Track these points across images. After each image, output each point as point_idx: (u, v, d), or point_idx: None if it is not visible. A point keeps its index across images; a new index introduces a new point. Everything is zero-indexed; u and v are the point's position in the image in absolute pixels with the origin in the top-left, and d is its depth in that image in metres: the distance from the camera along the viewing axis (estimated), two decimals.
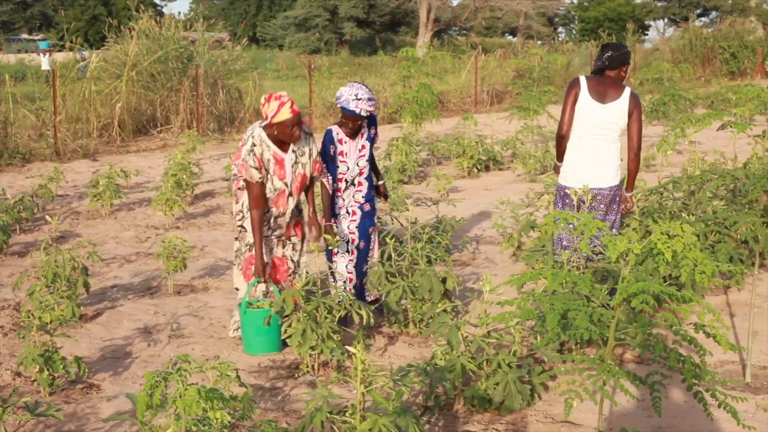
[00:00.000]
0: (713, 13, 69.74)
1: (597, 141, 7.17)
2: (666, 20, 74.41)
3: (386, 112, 23.80)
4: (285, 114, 6.84)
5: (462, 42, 47.61)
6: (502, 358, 5.66)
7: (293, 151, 7.10)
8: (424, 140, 18.36)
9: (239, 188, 7.21)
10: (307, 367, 6.51)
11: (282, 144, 7.04)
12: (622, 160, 7.33)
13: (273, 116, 6.86)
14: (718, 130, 8.55)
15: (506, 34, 74.02)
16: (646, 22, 73.96)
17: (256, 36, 64.85)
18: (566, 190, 7.32)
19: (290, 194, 7.18)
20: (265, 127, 7.00)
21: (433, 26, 56.62)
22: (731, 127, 8.32)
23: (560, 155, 7.48)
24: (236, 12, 69.51)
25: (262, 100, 6.97)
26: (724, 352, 4.30)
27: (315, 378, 6.38)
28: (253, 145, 6.94)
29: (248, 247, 7.23)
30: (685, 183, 8.66)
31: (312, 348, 6.30)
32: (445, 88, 28.74)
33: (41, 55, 36.18)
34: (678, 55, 40.47)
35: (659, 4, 72.91)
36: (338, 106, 7.39)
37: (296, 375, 6.49)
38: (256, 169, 6.90)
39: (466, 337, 5.76)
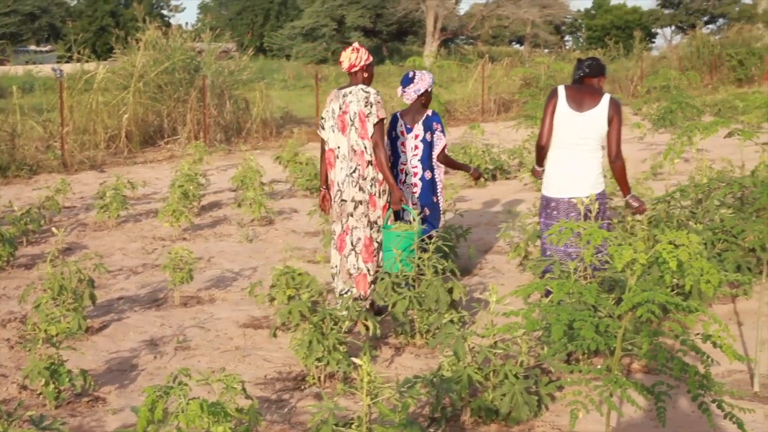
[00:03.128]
0: (720, 21, 69.64)
1: (576, 150, 7.29)
2: (673, 28, 74.33)
3: None
4: (370, 57, 7.87)
5: (469, 51, 47.60)
6: (509, 368, 5.64)
7: None
8: None
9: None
10: (314, 378, 6.50)
11: None
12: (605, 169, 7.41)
13: (368, 59, 7.81)
14: (725, 137, 8.53)
15: (513, 43, 73.89)
16: (653, 30, 73.86)
17: (263, 46, 64.86)
18: (549, 201, 7.45)
19: None
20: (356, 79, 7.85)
21: (440, 35, 56.64)
22: (738, 134, 8.30)
23: (540, 161, 7.68)
24: (243, 22, 69.51)
25: (349, 52, 7.79)
26: (731, 363, 4.28)
27: (321, 390, 6.36)
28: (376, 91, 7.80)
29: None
30: (692, 191, 8.64)
31: (318, 359, 6.29)
32: (452, 97, 28.81)
33: None
34: (685, 62, 40.40)
35: (666, 11, 72.81)
36: (426, 90, 8.33)
37: (302, 387, 6.48)
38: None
39: (473, 347, 5.75)
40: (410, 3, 58.13)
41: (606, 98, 7.25)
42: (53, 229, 8.78)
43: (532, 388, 5.71)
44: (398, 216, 7.97)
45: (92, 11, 68.58)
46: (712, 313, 4.14)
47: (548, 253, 7.45)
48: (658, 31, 75.78)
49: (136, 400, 6.25)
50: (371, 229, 7.77)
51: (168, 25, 30.21)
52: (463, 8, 64.41)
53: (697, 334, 4.37)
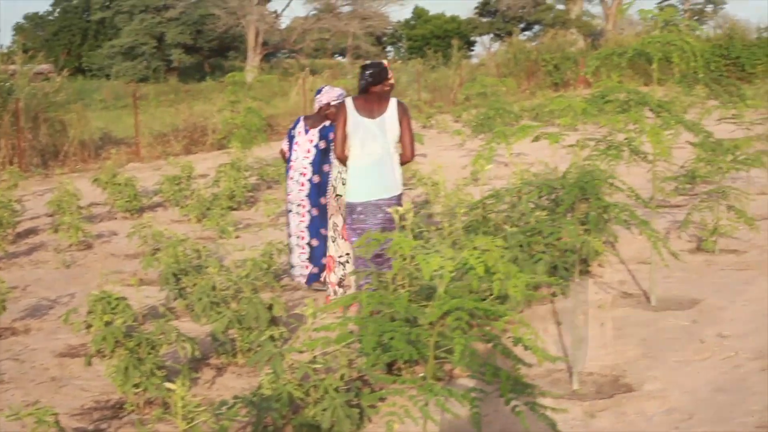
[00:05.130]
0: (536, 27, 71.17)
1: (374, 156, 7.64)
2: (491, 35, 75.68)
3: (215, 138, 23.57)
4: None
5: (291, 64, 47.65)
6: (328, 382, 5.60)
7: None
8: (253, 165, 18.24)
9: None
10: (132, 405, 6.33)
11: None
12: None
13: None
14: (531, 142, 8.69)
15: (336, 55, 74.24)
16: (471, 38, 75.12)
17: (82, 66, 63.47)
18: (354, 206, 7.78)
19: None
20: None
21: (261, 50, 56.44)
22: (545, 138, 8.48)
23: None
24: (60, 43, 67.77)
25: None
26: (540, 365, 4.34)
27: (140, 417, 6.20)
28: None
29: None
30: (505, 195, 8.76)
31: (136, 386, 6.13)
32: (273, 111, 28.75)
33: None
34: (503, 69, 41.32)
35: (484, 20, 74.06)
36: (328, 103, 9.08)
37: (121, 415, 6.30)
38: None
39: (292, 364, 5.70)
40: (230, 19, 57.74)
41: (393, 102, 7.72)
42: None
43: (353, 400, 5.68)
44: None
45: None
46: (520, 317, 4.18)
47: (359, 262, 7.61)
48: (477, 39, 77.16)
49: None
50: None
51: None
52: (284, 22, 64.04)
53: (509, 337, 4.41)
